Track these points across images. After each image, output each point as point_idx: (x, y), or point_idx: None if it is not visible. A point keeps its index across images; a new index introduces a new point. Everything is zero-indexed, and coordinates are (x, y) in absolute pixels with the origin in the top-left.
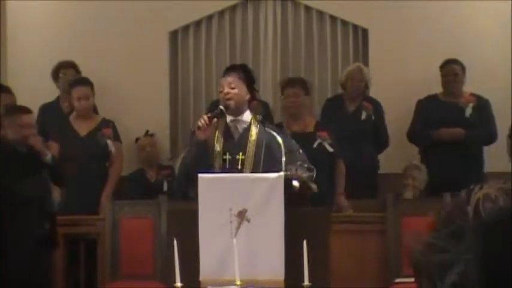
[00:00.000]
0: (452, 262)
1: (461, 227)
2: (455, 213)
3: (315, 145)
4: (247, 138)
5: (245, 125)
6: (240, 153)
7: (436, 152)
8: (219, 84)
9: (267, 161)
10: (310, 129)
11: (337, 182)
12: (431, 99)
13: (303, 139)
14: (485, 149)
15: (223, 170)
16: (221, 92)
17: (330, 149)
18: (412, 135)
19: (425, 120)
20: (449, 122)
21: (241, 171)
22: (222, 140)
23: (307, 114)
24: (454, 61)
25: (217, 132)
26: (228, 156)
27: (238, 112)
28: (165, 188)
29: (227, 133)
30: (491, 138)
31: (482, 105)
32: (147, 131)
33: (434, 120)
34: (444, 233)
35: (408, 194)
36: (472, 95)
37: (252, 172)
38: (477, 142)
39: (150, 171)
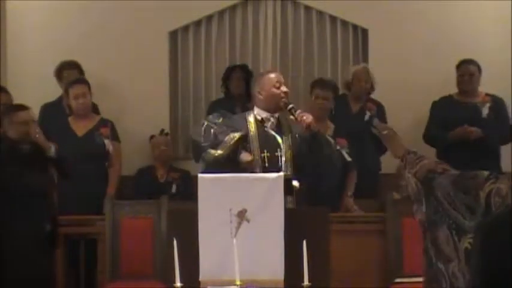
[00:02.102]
0: (467, 229)
1: (473, 205)
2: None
3: None
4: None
5: (275, 122)
6: (278, 150)
7: (452, 153)
8: (265, 80)
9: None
10: (329, 133)
11: (348, 185)
12: (446, 99)
13: None
14: (502, 148)
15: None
16: (278, 88)
17: (348, 158)
18: (428, 137)
19: (441, 121)
20: (466, 123)
21: (280, 169)
22: (257, 137)
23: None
24: (470, 61)
25: (253, 129)
26: (266, 154)
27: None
28: (174, 190)
29: (262, 130)
30: (508, 137)
31: (497, 105)
32: (162, 130)
33: (450, 121)
34: (460, 198)
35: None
36: (487, 95)
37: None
38: (494, 142)
39: (160, 171)
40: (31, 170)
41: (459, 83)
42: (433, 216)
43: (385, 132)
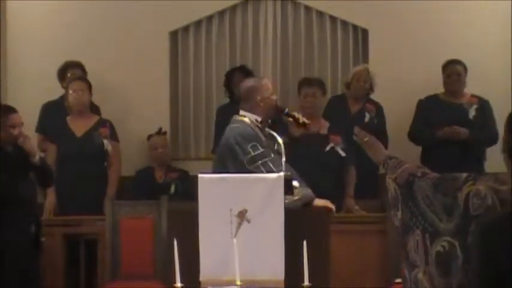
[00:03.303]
0: (442, 232)
1: (451, 206)
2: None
3: (327, 148)
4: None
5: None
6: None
7: (436, 152)
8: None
9: None
10: (324, 131)
11: (348, 185)
12: (432, 99)
13: (317, 140)
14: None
15: None
16: (272, 95)
17: (343, 154)
18: (413, 135)
19: (426, 120)
20: (452, 123)
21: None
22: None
23: (321, 115)
24: (457, 61)
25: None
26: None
27: None
28: (172, 190)
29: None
30: (493, 139)
31: (484, 107)
32: (160, 129)
33: (436, 121)
34: (439, 200)
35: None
36: (473, 96)
37: None
38: (480, 144)
39: (159, 172)
40: (17, 174)
41: (446, 83)
42: (407, 222)
43: (366, 139)
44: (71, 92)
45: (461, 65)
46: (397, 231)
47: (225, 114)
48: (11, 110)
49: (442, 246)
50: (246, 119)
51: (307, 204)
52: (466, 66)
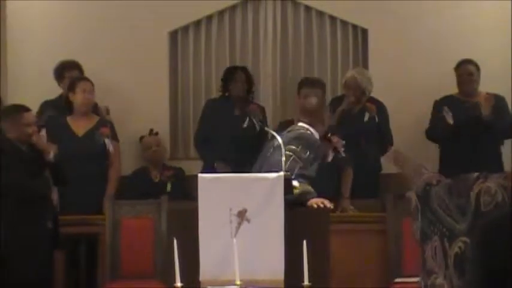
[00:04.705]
0: (457, 233)
1: (465, 206)
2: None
3: None
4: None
5: None
6: None
7: (453, 150)
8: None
9: None
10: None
11: (344, 186)
12: (447, 98)
13: None
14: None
15: None
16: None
17: (343, 154)
18: (432, 134)
19: (444, 119)
20: (467, 121)
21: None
22: None
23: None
24: (468, 61)
25: None
26: None
27: None
28: (169, 188)
29: None
30: (509, 131)
31: (498, 103)
32: (151, 130)
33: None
34: (454, 202)
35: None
36: (488, 94)
37: None
38: (497, 135)
39: (154, 171)
40: (31, 172)
41: (459, 83)
42: (425, 230)
43: (399, 159)
44: (79, 92)
45: (473, 64)
46: (416, 242)
47: (215, 108)
48: (24, 108)
49: (459, 247)
50: (310, 131)
51: (303, 202)
52: (478, 65)
